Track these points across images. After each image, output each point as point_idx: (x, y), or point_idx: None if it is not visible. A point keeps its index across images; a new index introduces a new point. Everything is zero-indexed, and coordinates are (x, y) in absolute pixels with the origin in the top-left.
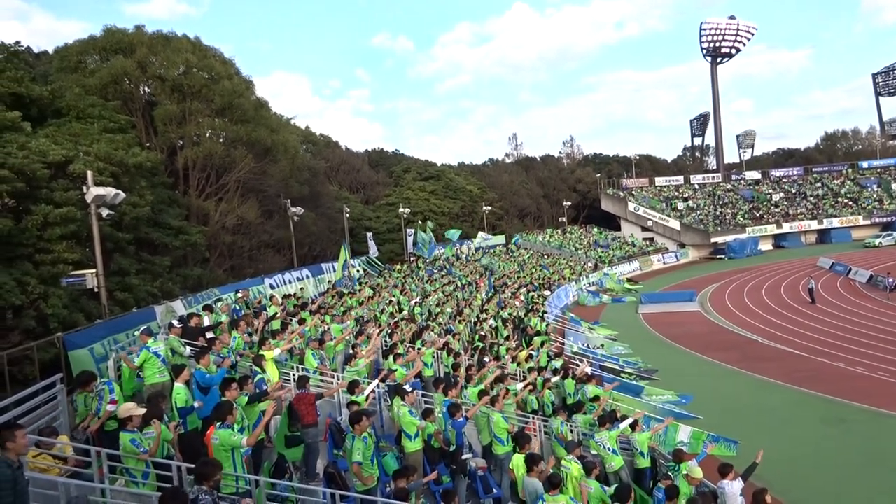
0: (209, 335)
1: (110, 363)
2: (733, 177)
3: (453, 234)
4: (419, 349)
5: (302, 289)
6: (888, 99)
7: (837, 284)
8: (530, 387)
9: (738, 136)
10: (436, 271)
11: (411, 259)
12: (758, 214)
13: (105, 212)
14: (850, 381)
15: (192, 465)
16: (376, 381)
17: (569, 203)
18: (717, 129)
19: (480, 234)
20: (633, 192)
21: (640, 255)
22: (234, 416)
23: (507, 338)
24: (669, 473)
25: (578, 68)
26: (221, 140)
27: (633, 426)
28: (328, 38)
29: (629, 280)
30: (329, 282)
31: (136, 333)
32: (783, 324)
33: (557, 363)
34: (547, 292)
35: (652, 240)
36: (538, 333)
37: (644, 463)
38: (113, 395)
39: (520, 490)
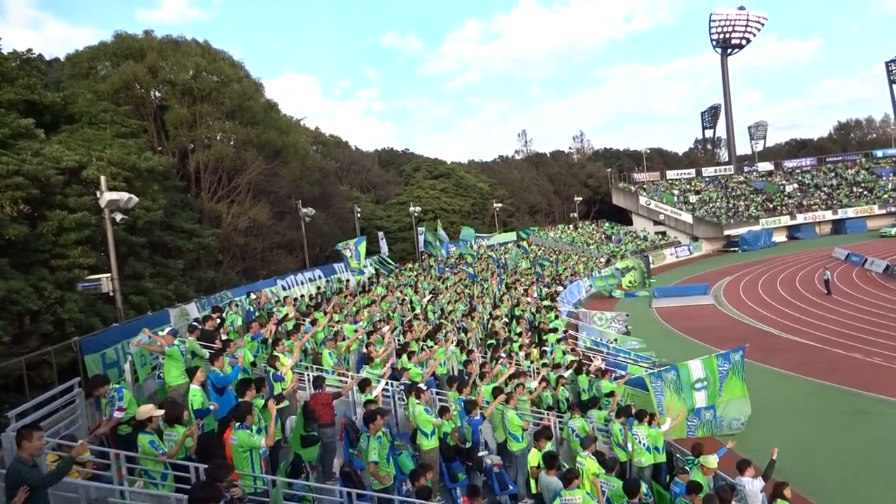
0: (224, 337)
1: (126, 366)
2: (746, 169)
3: (468, 233)
4: (431, 348)
5: (301, 296)
6: None
7: (853, 275)
8: (545, 384)
9: (749, 128)
10: (447, 269)
11: (423, 258)
12: (771, 206)
13: (119, 216)
14: (867, 371)
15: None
16: (383, 381)
17: (580, 198)
18: (728, 121)
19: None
20: (645, 186)
21: (652, 248)
22: (252, 417)
23: (520, 334)
24: (686, 467)
25: (587, 63)
26: (232, 143)
27: (650, 421)
28: (337, 38)
29: None
30: (340, 281)
31: (162, 333)
32: (799, 315)
33: (568, 358)
34: (560, 288)
35: (664, 233)
36: (552, 330)
37: (659, 458)
38: (122, 402)
39: (534, 486)
